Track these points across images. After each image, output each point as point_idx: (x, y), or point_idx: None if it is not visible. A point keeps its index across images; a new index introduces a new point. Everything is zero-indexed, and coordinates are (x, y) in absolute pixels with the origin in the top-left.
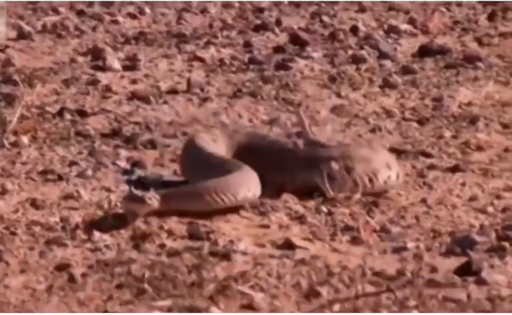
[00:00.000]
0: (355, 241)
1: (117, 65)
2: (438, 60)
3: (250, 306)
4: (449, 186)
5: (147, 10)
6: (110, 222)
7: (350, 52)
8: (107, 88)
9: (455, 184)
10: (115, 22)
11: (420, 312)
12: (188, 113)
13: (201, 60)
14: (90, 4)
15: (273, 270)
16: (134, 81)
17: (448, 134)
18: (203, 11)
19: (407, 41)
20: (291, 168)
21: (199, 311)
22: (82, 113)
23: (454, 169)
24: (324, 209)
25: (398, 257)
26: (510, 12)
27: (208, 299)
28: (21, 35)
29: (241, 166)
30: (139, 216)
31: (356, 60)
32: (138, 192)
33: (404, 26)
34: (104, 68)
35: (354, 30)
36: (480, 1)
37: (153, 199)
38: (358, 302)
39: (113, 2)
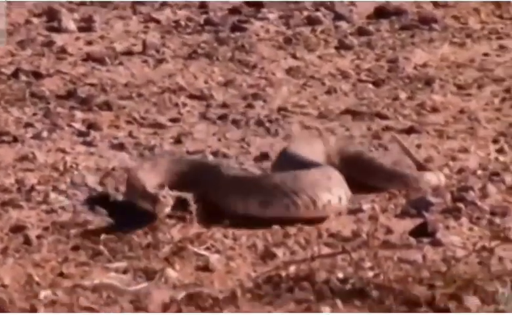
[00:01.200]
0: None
1: (72, 26)
2: (393, 21)
3: (205, 268)
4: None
5: None
6: None
7: (305, 13)
8: (63, 50)
9: (410, 146)
10: None
11: (375, 272)
12: (144, 75)
13: (157, 21)
14: None
15: (228, 232)
16: (89, 43)
17: (403, 95)
18: None
19: (363, 2)
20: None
21: (155, 272)
22: (37, 75)
23: (409, 131)
24: None
25: (354, 219)
26: None
27: (163, 261)
28: None
29: None
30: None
31: (312, 22)
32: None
33: None
34: (59, 29)
35: None
36: None
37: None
38: (313, 264)
39: None
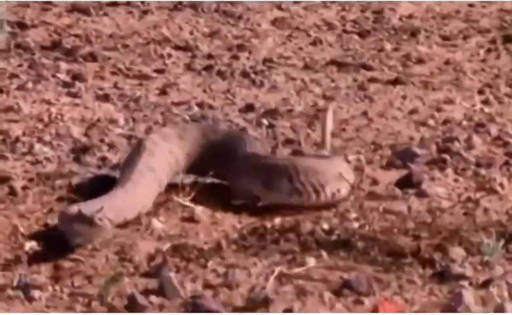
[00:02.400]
0: (296, 153)
1: None
2: None
3: (191, 219)
4: (390, 99)
5: None
6: None
7: None
8: (48, 1)
9: (395, 97)
10: None
11: (360, 223)
12: (129, 26)
13: None
14: None
15: (214, 181)
16: None
17: (388, 46)
18: None
19: None
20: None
21: (140, 223)
22: (22, 26)
23: (395, 82)
24: (265, 121)
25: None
26: None
27: (149, 212)
28: None
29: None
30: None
31: None
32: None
33: None
34: None
35: None
36: None
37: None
38: (298, 215)
39: None
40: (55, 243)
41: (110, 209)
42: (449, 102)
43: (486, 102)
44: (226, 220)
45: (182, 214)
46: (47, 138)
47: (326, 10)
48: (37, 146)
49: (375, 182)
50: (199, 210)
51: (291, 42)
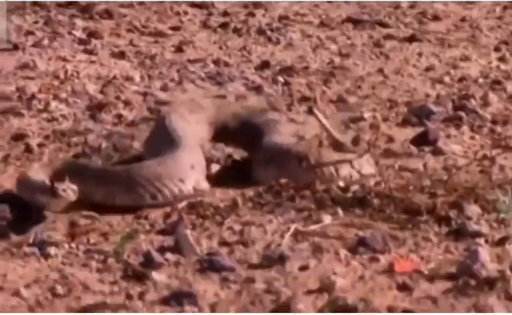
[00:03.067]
0: (312, 111)
1: None
2: None
3: (207, 177)
4: (406, 56)
5: None
6: None
7: None
8: None
9: (411, 54)
10: None
11: (376, 181)
12: None
13: None
14: None
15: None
16: None
17: (405, 3)
18: None
19: None
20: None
21: None
22: None
23: (411, 39)
24: (281, 79)
25: (355, 127)
26: None
27: None
28: None
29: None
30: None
31: None
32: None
33: None
34: None
35: None
36: None
37: (68, 190)
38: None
39: None
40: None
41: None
42: (466, 59)
43: (502, 59)
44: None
45: None
46: (63, 95)
47: None
48: (53, 103)
49: (390, 139)
50: (215, 168)
51: (306, 1)
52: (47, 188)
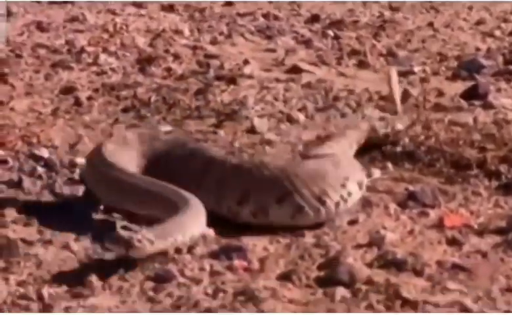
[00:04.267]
0: (361, 65)
1: None
2: None
3: (253, 130)
4: (457, 10)
5: None
6: None
7: None
8: None
9: (462, 8)
10: None
11: (426, 135)
12: None
13: None
14: None
15: (279, 94)
16: None
17: None
18: None
19: None
20: None
21: (205, 133)
22: None
23: None
24: (331, 32)
25: (405, 81)
26: None
27: (212, 125)
28: None
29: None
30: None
31: None
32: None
33: None
34: None
35: None
36: None
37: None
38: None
39: None
40: None
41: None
42: None
43: None
44: (291, 131)
45: (245, 125)
46: (112, 48)
47: None
48: (102, 57)
49: (440, 93)
50: (263, 121)
51: None
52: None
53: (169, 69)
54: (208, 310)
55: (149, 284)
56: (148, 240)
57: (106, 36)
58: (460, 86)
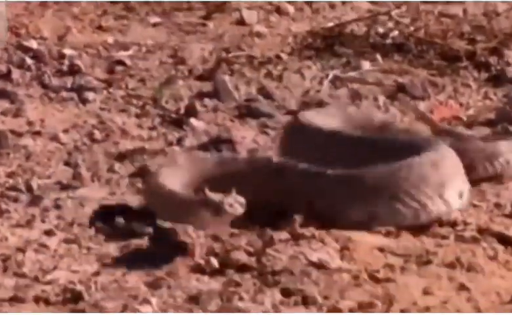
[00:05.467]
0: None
1: None
2: None
3: (242, 22)
4: None
5: None
6: None
7: None
8: None
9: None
10: None
11: (415, 26)
12: None
13: None
14: None
15: None
16: None
17: None
18: None
19: None
20: None
21: (194, 25)
22: None
23: None
24: None
25: None
26: None
27: (201, 17)
28: None
29: None
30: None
31: None
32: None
33: None
34: None
35: None
36: None
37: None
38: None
39: None
40: None
41: None
42: None
43: None
44: (281, 25)
45: (234, 17)
46: None
47: None
48: None
49: None
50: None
51: None
52: (212, 204)
53: None
54: None
55: (138, 177)
56: (239, 203)
57: None
58: None
